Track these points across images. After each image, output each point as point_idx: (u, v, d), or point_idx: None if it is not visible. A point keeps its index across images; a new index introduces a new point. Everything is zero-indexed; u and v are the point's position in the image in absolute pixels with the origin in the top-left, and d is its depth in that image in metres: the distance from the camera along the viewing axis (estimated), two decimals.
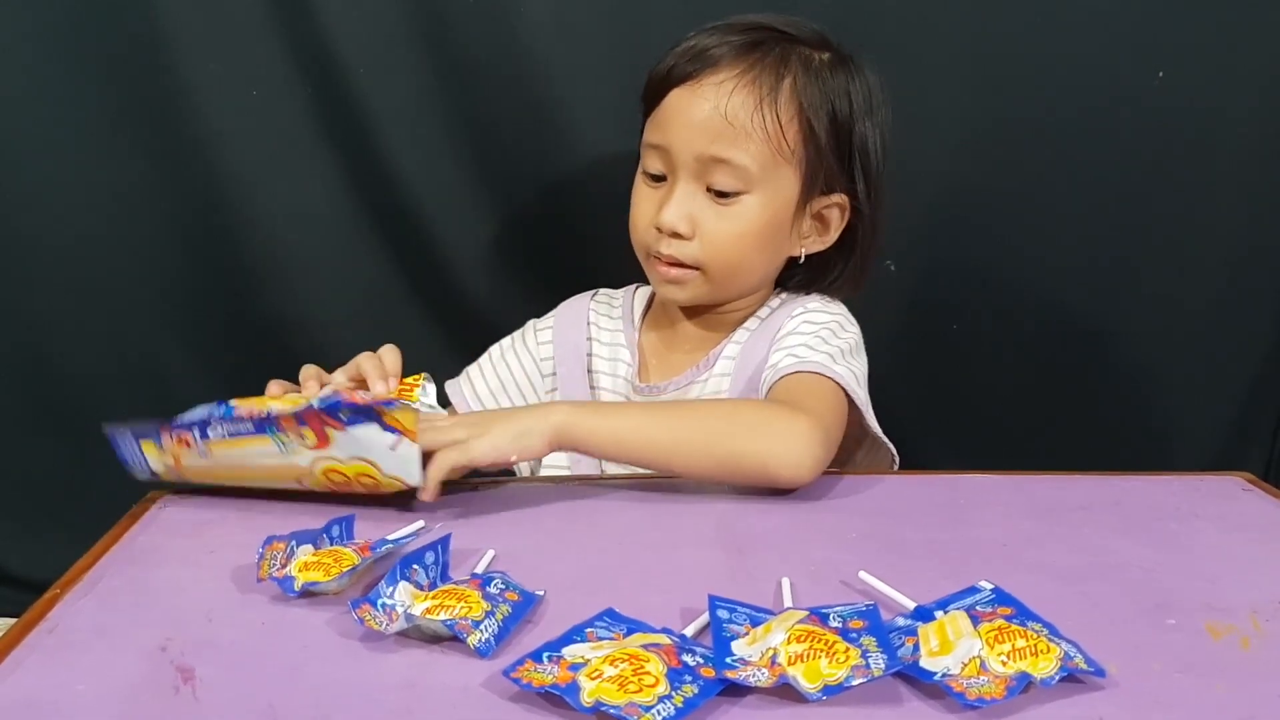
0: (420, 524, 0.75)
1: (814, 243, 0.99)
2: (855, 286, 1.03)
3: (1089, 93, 1.22)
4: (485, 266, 1.30)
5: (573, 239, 1.27)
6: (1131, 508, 0.81)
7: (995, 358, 1.33)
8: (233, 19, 1.20)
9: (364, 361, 0.85)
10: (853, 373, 0.91)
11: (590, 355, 1.06)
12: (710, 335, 1.02)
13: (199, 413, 0.79)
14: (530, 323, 1.10)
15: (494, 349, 1.10)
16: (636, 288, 1.11)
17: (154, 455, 0.82)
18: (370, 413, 0.73)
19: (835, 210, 0.98)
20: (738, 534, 0.76)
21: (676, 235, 0.94)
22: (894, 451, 0.96)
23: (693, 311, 1.03)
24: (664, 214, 0.93)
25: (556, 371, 1.06)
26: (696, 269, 0.95)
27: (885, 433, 0.94)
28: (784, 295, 1.03)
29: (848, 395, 0.90)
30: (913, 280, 1.29)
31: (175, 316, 1.29)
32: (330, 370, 0.87)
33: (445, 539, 0.69)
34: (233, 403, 0.79)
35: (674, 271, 0.95)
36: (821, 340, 0.93)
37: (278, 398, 0.81)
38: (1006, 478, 0.87)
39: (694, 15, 0.97)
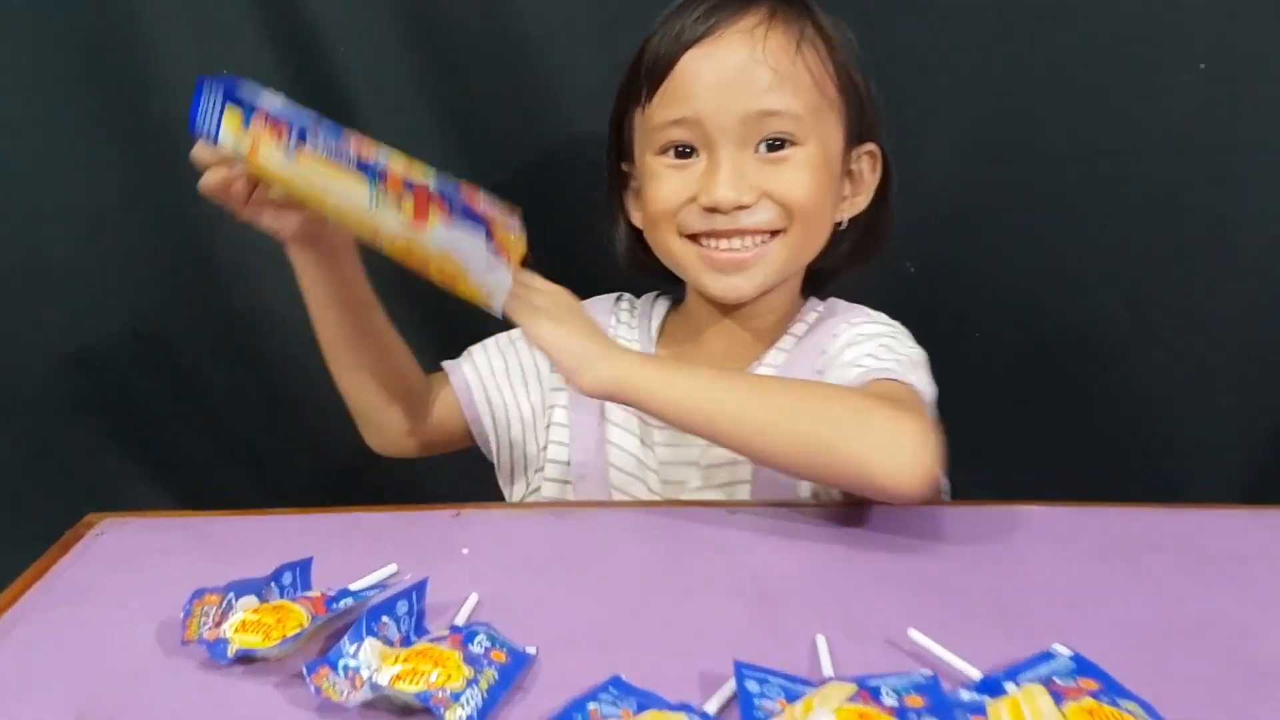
0: (393, 569, 0.65)
1: (849, 204, 0.89)
2: (881, 250, 0.94)
3: (1123, 87, 1.12)
4: None
5: (564, 228, 1.15)
6: (1209, 547, 0.71)
7: (1016, 367, 1.23)
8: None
9: None
10: (927, 390, 0.80)
11: None
12: (737, 352, 0.91)
13: (299, 112, 0.70)
14: None
15: (503, 335, 0.99)
16: (655, 297, 1.00)
17: (233, 127, 0.70)
18: (482, 222, 0.67)
19: (866, 161, 0.88)
20: (762, 578, 0.66)
21: (740, 208, 0.82)
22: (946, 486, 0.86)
23: (720, 325, 0.91)
24: (718, 191, 0.81)
25: (569, 401, 0.94)
26: (778, 232, 0.84)
27: None
28: (819, 307, 0.92)
29: None
30: (932, 285, 1.20)
31: (136, 311, 1.19)
32: None
33: (420, 585, 0.59)
34: (344, 131, 0.70)
35: (739, 255, 0.83)
36: (887, 349, 0.82)
37: (392, 152, 0.71)
38: (1061, 510, 0.77)
39: None
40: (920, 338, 1.16)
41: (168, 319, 1.20)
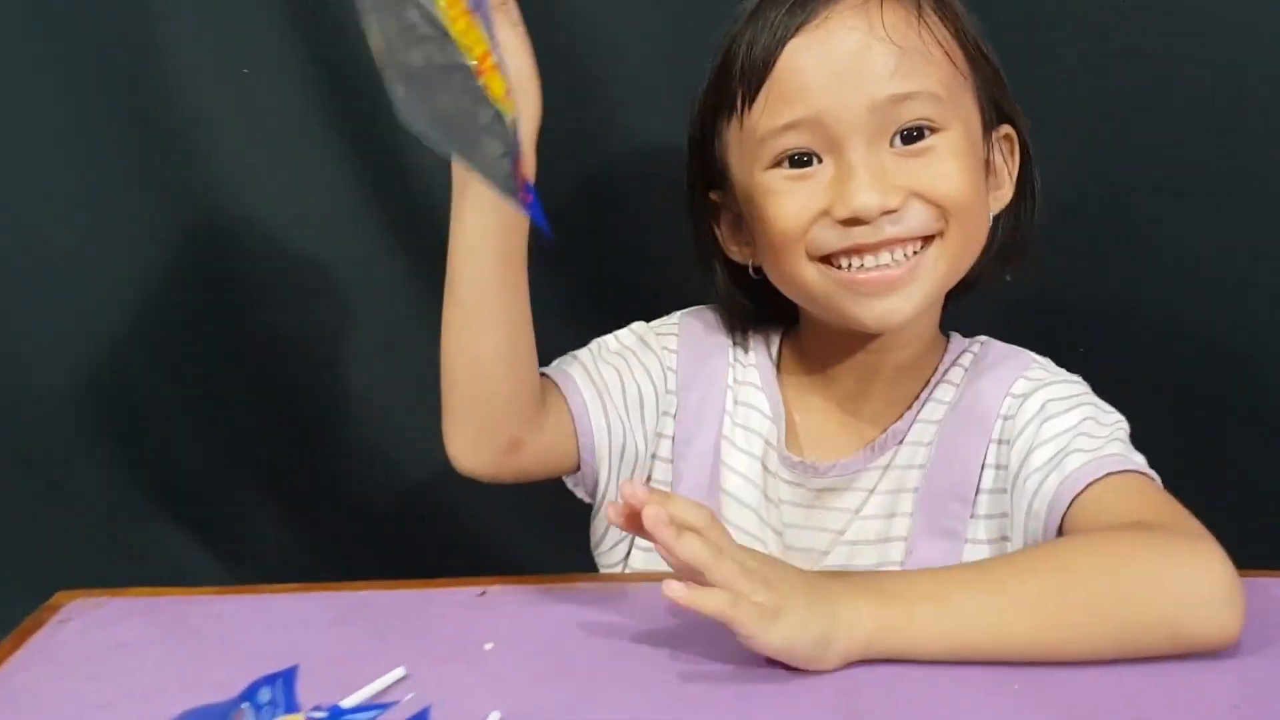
0: (400, 673, 0.54)
1: (995, 198, 0.77)
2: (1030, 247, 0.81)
3: (1261, 74, 0.98)
4: None
5: (620, 244, 1.10)
6: None
7: (1133, 392, 1.09)
8: None
9: None
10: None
11: (727, 412, 0.81)
12: (873, 393, 0.78)
13: None
14: (644, 330, 0.85)
15: (604, 343, 0.84)
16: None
17: None
18: None
19: (1004, 146, 0.77)
20: (860, 700, 0.53)
21: (887, 213, 0.71)
22: None
23: (851, 360, 0.79)
24: (858, 197, 0.69)
25: (675, 432, 0.81)
26: (931, 238, 0.72)
27: None
28: (973, 347, 0.80)
29: None
30: (1030, 291, 1.06)
31: (150, 334, 1.13)
32: None
33: (423, 714, 0.47)
34: None
35: (891, 272, 0.71)
36: (1095, 422, 0.71)
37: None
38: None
39: None
40: None
41: (185, 345, 1.15)
